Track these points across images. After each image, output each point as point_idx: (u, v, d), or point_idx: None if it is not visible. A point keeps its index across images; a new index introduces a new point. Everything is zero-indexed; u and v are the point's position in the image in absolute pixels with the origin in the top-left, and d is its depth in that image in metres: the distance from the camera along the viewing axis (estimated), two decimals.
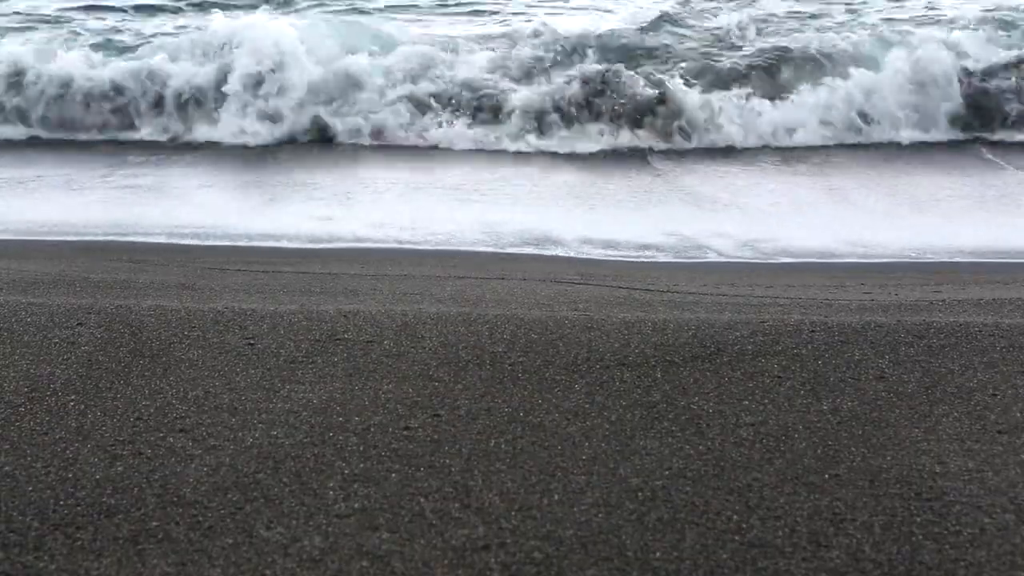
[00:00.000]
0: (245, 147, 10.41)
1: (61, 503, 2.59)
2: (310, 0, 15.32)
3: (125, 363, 3.62)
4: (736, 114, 10.38)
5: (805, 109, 10.42)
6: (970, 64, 10.91)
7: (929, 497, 2.62)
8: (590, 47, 11.92)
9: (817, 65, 11.18)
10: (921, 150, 10.03)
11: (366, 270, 6.01)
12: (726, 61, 11.50)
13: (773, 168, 9.36)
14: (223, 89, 10.98)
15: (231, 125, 10.69)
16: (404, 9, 15.01)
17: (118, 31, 13.64)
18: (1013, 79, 10.76)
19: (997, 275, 6.08)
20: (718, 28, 12.83)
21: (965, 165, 9.35)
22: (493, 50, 11.97)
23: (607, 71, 10.97)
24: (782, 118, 10.35)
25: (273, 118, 10.73)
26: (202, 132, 10.76)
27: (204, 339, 3.87)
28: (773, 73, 11.15)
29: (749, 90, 10.70)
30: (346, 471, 2.77)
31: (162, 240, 7.27)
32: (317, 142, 10.57)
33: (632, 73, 10.99)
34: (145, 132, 10.89)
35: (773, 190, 8.50)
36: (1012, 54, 11.14)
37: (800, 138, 10.19)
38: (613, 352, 3.71)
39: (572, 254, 6.96)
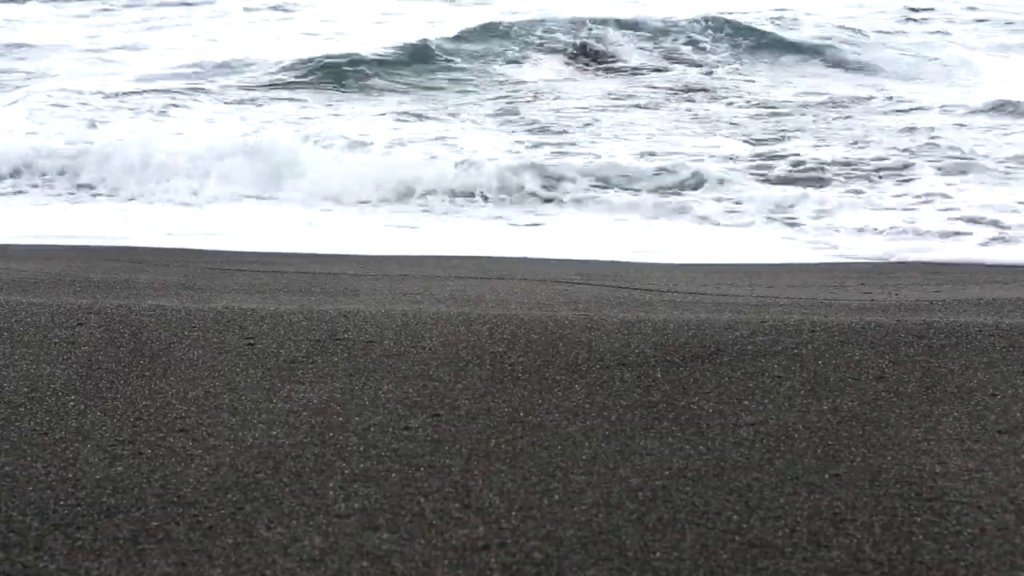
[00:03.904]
0: None
1: (61, 503, 2.59)
2: None
3: (125, 363, 3.61)
4: None
5: None
6: None
7: (929, 497, 2.62)
8: None
9: None
10: None
11: (366, 270, 6.01)
12: None
13: None
14: None
15: None
16: None
17: None
18: None
19: (997, 275, 6.07)
20: None
21: None
22: None
23: None
24: None
25: None
26: None
27: (204, 339, 3.87)
28: None
29: None
30: (346, 471, 2.77)
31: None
32: None
33: None
34: None
35: None
36: None
37: None
38: (613, 352, 3.70)
39: (572, 255, 6.96)
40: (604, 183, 8.74)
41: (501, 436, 3.00)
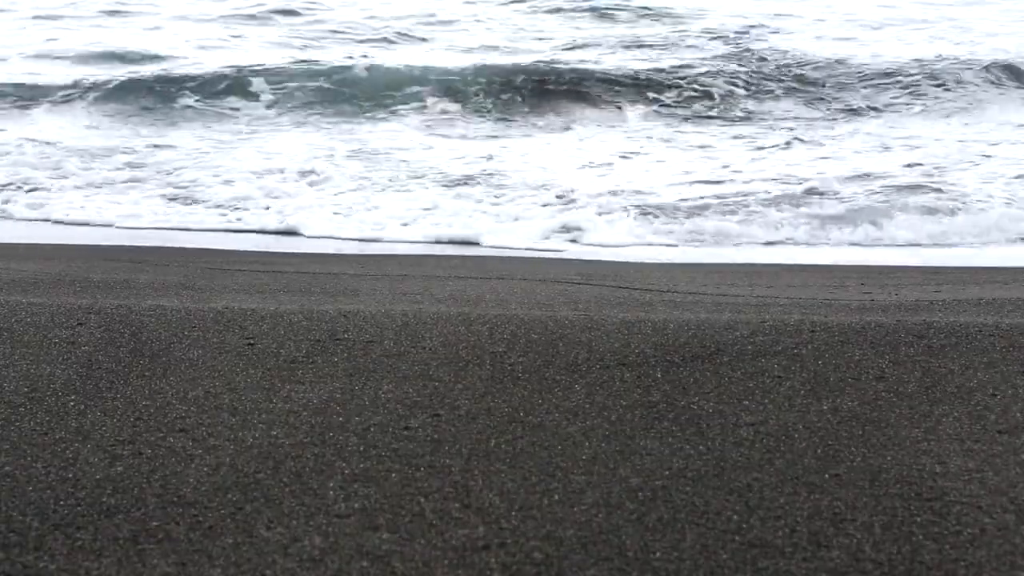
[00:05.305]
0: None
1: (61, 503, 2.59)
2: None
3: (125, 363, 3.61)
4: None
5: None
6: None
7: (929, 497, 2.62)
8: None
9: None
10: None
11: (366, 270, 6.01)
12: None
13: None
14: None
15: None
16: None
17: None
18: None
19: (997, 275, 6.08)
20: None
21: None
22: None
23: None
24: None
25: None
26: None
27: (204, 339, 3.87)
28: None
29: None
30: (346, 471, 2.77)
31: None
32: None
33: None
34: None
35: None
36: None
37: None
38: (613, 352, 3.71)
39: (572, 255, 6.96)
40: None
41: (501, 436, 3.00)
